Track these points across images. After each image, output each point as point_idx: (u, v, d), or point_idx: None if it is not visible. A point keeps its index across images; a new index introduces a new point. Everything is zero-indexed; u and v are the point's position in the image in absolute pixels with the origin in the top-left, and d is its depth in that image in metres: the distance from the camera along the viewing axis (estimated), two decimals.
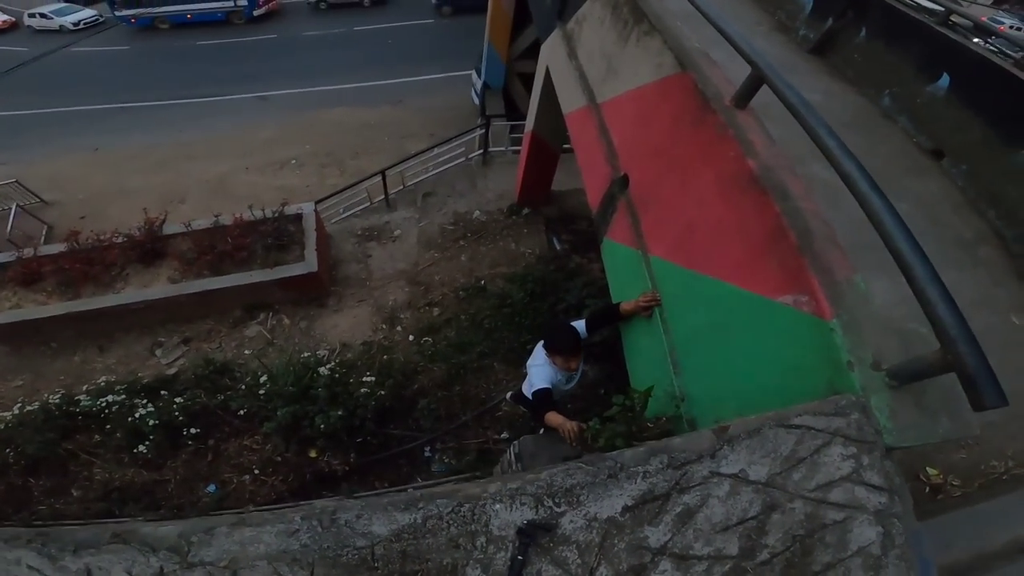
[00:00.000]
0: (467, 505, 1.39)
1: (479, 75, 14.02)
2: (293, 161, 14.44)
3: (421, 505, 1.37)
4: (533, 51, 11.61)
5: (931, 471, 2.61)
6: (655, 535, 1.38)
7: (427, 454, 4.72)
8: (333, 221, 8.83)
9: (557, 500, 1.42)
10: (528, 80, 12.41)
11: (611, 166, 3.73)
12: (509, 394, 4.41)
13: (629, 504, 1.41)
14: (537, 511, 1.39)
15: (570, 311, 5.74)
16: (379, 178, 9.32)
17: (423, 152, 9.70)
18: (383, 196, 9.67)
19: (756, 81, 2.35)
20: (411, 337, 6.28)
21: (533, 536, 1.34)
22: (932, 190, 3.53)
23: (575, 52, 4.68)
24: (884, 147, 3.99)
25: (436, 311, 6.80)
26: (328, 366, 4.69)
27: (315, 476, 4.39)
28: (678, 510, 1.40)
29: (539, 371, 3.16)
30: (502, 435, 4.95)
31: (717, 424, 1.69)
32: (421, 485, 3.92)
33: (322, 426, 4.22)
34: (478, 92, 14.17)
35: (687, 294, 2.73)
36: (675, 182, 2.93)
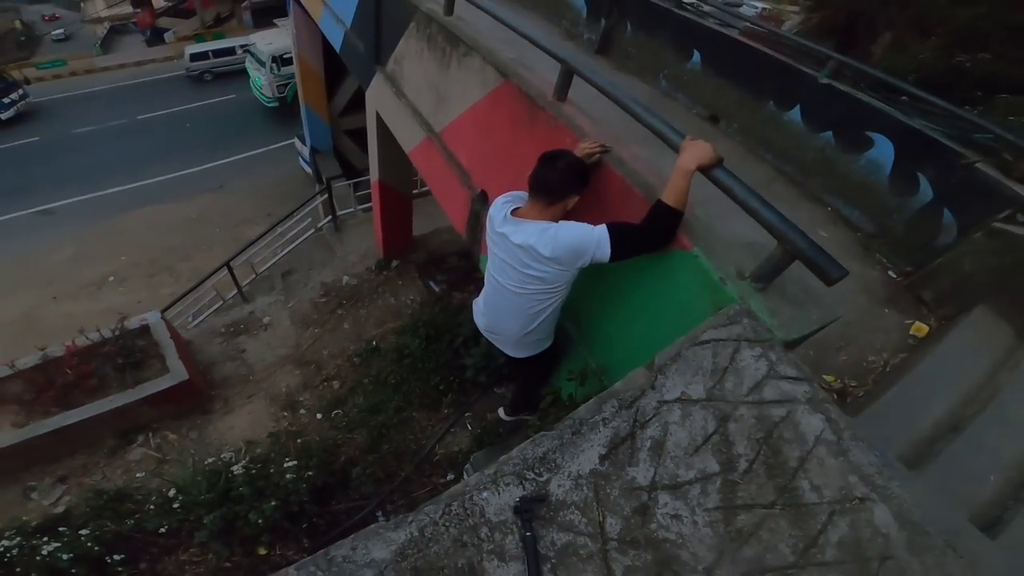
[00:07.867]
0: (455, 503, 1.37)
1: (303, 142, 13.60)
2: (111, 278, 12.62)
3: (411, 519, 1.34)
4: (355, 105, 11.57)
5: (828, 378, 2.66)
6: (640, 473, 1.43)
7: (380, 518, 4.44)
8: (188, 327, 7.94)
9: (537, 470, 1.44)
10: (356, 136, 12.37)
11: (467, 187, 3.87)
12: (501, 410, 4.17)
13: (603, 452, 1.46)
14: (523, 486, 1.41)
15: (468, 342, 5.74)
16: (225, 273, 8.63)
17: (266, 234, 9.14)
18: (236, 291, 8.99)
19: (568, 75, 2.69)
20: (319, 415, 5.87)
21: (531, 510, 1.35)
22: (720, 149, 4.16)
23: (401, 91, 4.80)
24: (672, 122, 4.58)
25: (336, 384, 6.43)
26: (240, 464, 4.30)
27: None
28: (648, 444, 1.46)
29: (570, 227, 2.12)
30: (447, 477, 4.84)
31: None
32: None
33: (259, 521, 3.90)
34: (307, 159, 13.72)
35: None
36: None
